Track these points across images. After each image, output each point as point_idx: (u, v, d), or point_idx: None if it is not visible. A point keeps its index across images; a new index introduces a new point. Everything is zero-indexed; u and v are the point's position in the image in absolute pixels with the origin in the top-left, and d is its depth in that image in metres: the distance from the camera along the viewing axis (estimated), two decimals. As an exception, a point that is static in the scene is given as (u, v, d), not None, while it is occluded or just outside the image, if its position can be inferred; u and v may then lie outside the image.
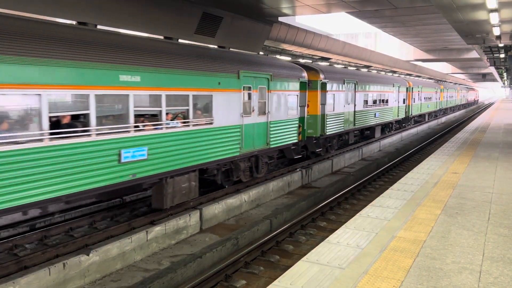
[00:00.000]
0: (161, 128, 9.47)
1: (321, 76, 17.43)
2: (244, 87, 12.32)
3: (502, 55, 26.83)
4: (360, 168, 18.14)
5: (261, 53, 18.49)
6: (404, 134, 29.81)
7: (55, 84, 7.32)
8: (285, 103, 14.60)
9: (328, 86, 17.85)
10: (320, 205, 11.96)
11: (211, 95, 11.01)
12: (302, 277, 5.08)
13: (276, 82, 13.99)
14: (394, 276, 5.14)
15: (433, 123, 40.64)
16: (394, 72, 47.67)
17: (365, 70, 31.29)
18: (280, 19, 19.35)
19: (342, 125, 19.59)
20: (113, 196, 11.18)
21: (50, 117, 7.31)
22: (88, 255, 7.51)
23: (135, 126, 8.85)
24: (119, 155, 8.47)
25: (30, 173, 7.04)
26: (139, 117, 9.23)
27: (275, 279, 5.22)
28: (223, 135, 11.49)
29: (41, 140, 7.15)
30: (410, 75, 51.15)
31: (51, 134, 7.30)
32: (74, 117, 8.09)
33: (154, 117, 9.63)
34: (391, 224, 7.08)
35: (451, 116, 52.21)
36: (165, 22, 12.77)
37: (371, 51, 35.66)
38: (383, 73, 35.59)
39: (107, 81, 8.20)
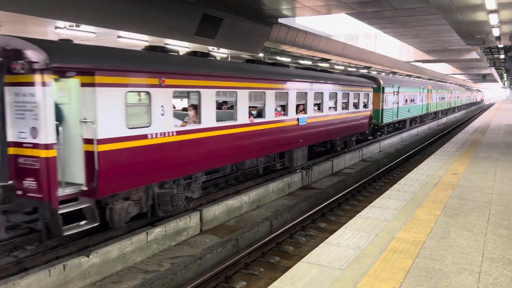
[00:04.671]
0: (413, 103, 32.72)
1: (430, 86, 38.71)
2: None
3: (502, 56, 26.85)
4: (360, 169, 18.14)
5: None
6: (405, 135, 29.83)
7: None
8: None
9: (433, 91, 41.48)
10: (320, 206, 11.95)
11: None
12: (302, 278, 5.09)
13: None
14: (394, 277, 5.15)
15: (434, 123, 40.65)
16: (395, 73, 47.59)
17: (365, 71, 31.58)
18: (280, 20, 19.38)
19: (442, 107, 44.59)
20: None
21: (405, 99, 30.10)
22: (88, 256, 7.53)
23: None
24: (408, 110, 30.75)
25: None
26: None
27: (275, 280, 5.23)
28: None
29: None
30: (410, 76, 51.04)
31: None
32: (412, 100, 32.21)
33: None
34: (391, 225, 7.09)
35: (452, 117, 52.22)
36: (165, 23, 12.79)
37: (371, 52, 35.64)
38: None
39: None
